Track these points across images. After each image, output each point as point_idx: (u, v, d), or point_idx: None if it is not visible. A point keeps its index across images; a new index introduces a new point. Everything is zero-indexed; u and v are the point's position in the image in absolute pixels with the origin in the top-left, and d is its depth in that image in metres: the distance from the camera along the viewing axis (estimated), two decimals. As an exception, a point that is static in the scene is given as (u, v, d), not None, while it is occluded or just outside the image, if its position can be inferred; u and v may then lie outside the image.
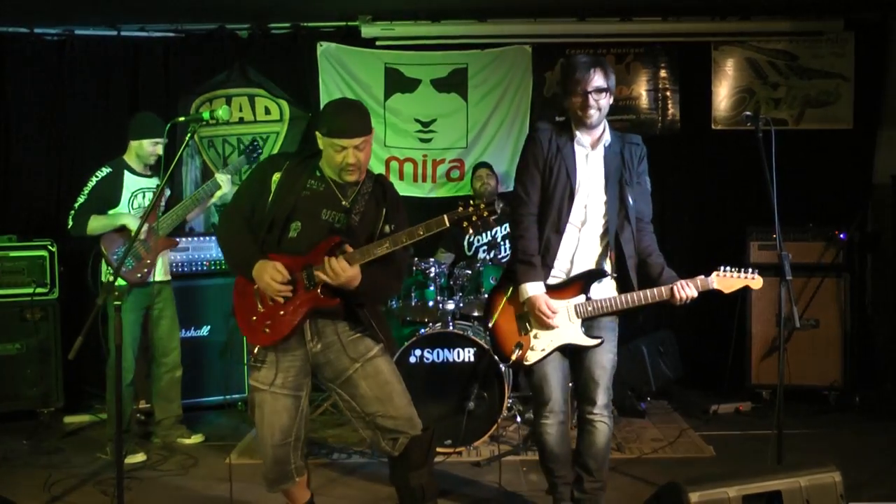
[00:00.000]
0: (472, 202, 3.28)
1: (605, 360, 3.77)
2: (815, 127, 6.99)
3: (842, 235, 6.27)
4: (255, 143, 5.79)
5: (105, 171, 5.31)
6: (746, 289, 3.71)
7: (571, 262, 3.75)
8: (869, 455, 4.99)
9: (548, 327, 3.70)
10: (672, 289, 3.62)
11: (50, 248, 6.11)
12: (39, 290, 6.03)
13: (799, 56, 6.98)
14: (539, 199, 3.76)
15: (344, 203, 3.49)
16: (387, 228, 3.51)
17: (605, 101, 3.67)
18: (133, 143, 5.36)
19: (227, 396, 6.33)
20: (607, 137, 3.76)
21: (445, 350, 5.17)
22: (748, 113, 4.05)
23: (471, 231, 3.35)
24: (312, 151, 3.60)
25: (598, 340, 3.71)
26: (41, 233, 6.33)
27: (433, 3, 6.62)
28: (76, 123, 6.95)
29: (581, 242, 3.73)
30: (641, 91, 7.09)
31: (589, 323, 3.75)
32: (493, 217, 3.34)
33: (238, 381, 6.39)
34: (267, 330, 3.42)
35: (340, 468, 5.02)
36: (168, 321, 5.51)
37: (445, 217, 3.28)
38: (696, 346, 6.92)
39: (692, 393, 6.57)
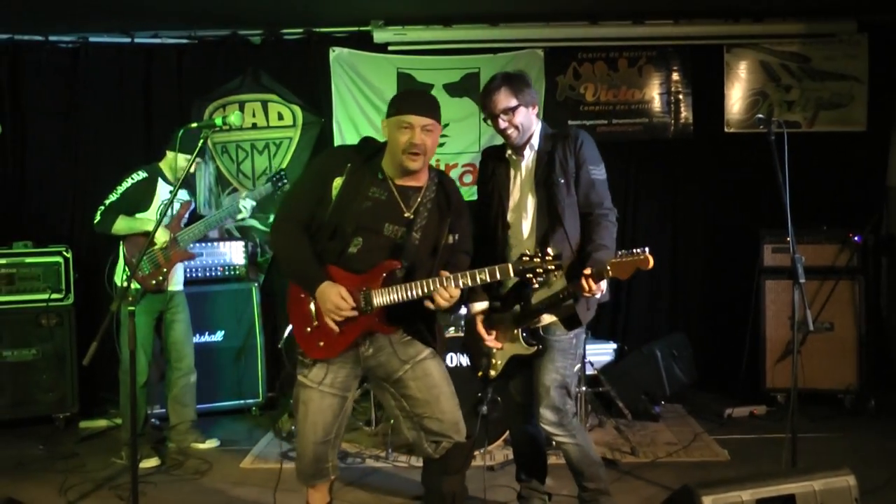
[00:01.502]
0: (538, 252, 3.24)
1: (546, 379, 3.74)
2: (828, 129, 6.97)
3: (856, 238, 6.24)
4: (282, 173, 5.74)
5: (141, 174, 5.34)
6: (638, 270, 3.39)
7: None
8: (884, 459, 4.96)
9: (494, 343, 3.81)
10: (578, 284, 3.46)
11: (65, 254, 6.14)
12: (55, 296, 6.07)
13: (812, 58, 6.95)
14: (485, 224, 3.85)
15: (406, 215, 3.44)
16: (450, 239, 3.50)
17: (520, 117, 3.67)
18: (169, 154, 5.41)
19: (242, 401, 6.38)
20: (534, 142, 3.76)
21: (458, 355, 5.16)
22: (761, 116, 4.05)
23: (535, 282, 3.30)
24: (374, 149, 3.51)
25: (534, 347, 3.73)
26: (56, 239, 6.37)
27: (445, 8, 6.63)
28: (91, 130, 7.00)
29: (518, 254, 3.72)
30: (654, 94, 7.08)
31: (540, 339, 3.76)
32: (560, 270, 3.30)
33: (252, 386, 6.41)
34: (321, 344, 3.43)
35: (353, 473, 5.02)
36: (182, 326, 5.53)
37: (510, 267, 3.26)
38: (710, 349, 6.91)
39: (706, 397, 6.55)
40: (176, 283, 5.47)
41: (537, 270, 3.23)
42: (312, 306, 3.41)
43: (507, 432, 5.15)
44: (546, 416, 3.74)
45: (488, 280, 3.32)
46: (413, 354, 3.52)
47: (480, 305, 3.86)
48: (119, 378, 5.33)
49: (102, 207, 5.24)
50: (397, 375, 3.52)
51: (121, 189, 5.28)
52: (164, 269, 5.29)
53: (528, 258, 3.24)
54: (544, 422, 3.75)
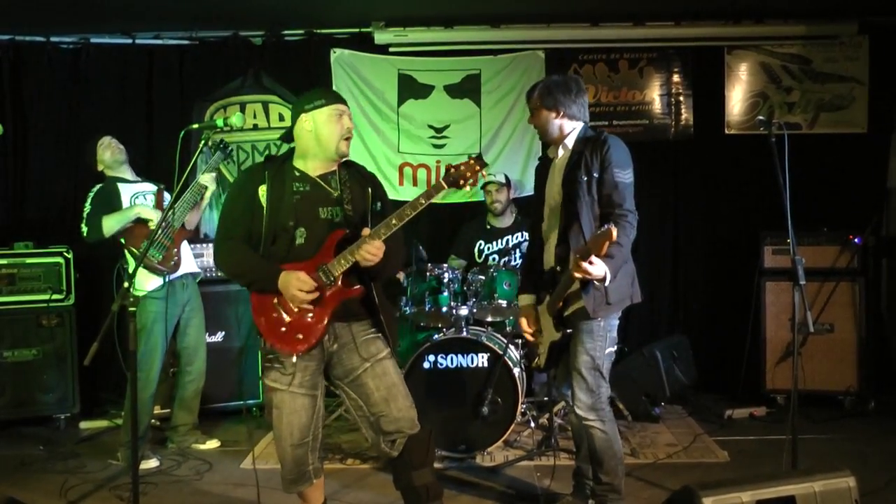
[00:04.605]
0: (469, 159, 3.44)
1: (577, 363, 3.86)
2: (829, 131, 6.96)
3: (857, 240, 6.24)
4: (223, 141, 5.68)
5: (97, 186, 5.37)
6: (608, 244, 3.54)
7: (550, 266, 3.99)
8: (884, 460, 4.96)
9: (539, 332, 4.07)
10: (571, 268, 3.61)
11: (66, 254, 6.16)
12: (55, 296, 6.09)
13: (813, 60, 6.95)
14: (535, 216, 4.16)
15: (334, 195, 3.57)
16: (377, 206, 3.65)
17: (540, 119, 3.98)
18: (100, 164, 5.47)
19: (242, 402, 6.39)
20: (568, 142, 3.95)
21: (459, 356, 5.16)
22: (761, 117, 4.05)
23: (467, 186, 3.43)
24: (282, 157, 3.67)
25: (561, 332, 3.89)
26: (57, 240, 6.37)
27: (446, 9, 6.63)
28: (92, 131, 6.90)
29: (550, 246, 3.97)
30: (654, 96, 7.08)
31: (568, 323, 3.89)
32: (486, 168, 3.51)
33: (253, 387, 6.41)
34: (300, 336, 3.47)
35: (354, 474, 5.03)
36: (195, 331, 5.55)
37: (442, 180, 3.42)
38: (711, 351, 6.90)
39: (706, 398, 6.55)
40: (190, 265, 5.50)
41: (466, 175, 3.42)
42: (278, 304, 3.48)
43: (507, 433, 5.16)
44: (580, 399, 3.86)
45: (425, 203, 3.40)
46: (374, 352, 3.57)
47: (526, 299, 4.15)
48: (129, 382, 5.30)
49: (83, 220, 5.24)
50: (356, 373, 3.56)
51: (88, 200, 5.29)
52: (175, 249, 5.29)
53: (454, 168, 3.42)
54: (578, 405, 3.87)
